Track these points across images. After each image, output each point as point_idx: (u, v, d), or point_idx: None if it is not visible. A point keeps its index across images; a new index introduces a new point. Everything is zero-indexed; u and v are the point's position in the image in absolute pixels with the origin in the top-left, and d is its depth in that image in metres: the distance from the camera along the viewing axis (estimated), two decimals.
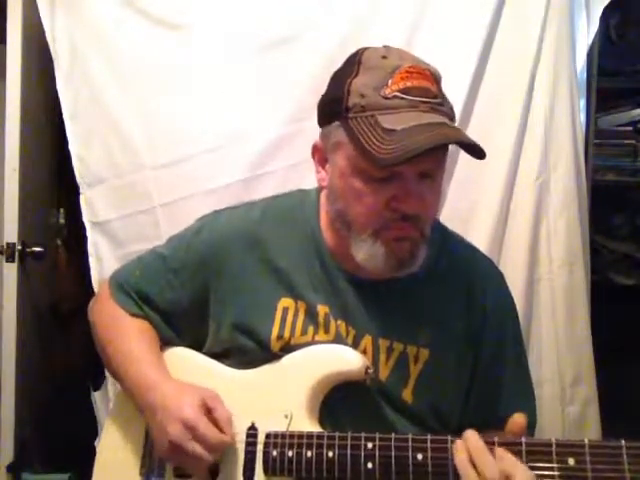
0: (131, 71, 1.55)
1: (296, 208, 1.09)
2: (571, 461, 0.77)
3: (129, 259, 1.22)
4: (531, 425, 1.02)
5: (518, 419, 0.82)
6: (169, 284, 1.09)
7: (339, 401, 0.99)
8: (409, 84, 0.89)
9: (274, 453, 0.95)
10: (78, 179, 1.60)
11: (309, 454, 0.92)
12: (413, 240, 0.94)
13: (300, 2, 1.51)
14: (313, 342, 1.01)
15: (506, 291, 1.11)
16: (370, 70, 0.91)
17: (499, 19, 1.48)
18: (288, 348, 1.01)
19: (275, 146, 1.51)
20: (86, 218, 1.62)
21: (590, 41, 1.59)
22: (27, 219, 1.68)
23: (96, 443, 1.46)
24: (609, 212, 2.16)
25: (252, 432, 0.98)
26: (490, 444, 0.80)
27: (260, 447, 0.96)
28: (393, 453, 0.87)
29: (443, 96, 0.94)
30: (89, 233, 1.61)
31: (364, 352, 1.00)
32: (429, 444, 0.85)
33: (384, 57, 0.92)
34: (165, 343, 1.12)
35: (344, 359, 0.98)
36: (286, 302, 1.03)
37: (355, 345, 1.00)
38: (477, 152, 0.89)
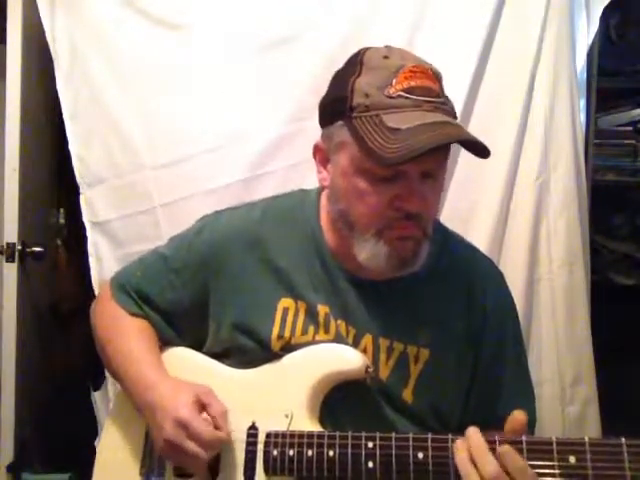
0: (131, 71, 1.56)
1: (296, 208, 1.09)
2: (572, 459, 0.77)
3: (129, 259, 1.22)
4: (531, 424, 1.02)
5: (518, 416, 0.82)
6: (170, 284, 1.09)
7: (339, 401, 0.99)
8: (413, 83, 0.89)
9: (275, 452, 0.95)
10: (78, 179, 1.61)
11: (310, 453, 0.92)
12: (416, 239, 0.94)
13: (300, 2, 1.51)
14: (313, 342, 1.01)
15: (506, 291, 1.11)
16: (373, 70, 0.91)
17: (499, 19, 1.49)
18: (288, 348, 1.01)
19: (275, 146, 1.51)
20: (86, 218, 1.62)
21: (590, 41, 1.59)
22: (27, 219, 1.68)
23: (96, 443, 1.46)
24: (609, 212, 2.16)
25: (252, 432, 0.98)
26: (491, 442, 0.80)
27: (260, 447, 0.96)
28: (394, 452, 0.87)
29: (445, 95, 0.94)
30: (89, 233, 1.61)
31: (364, 351, 1.00)
32: (430, 443, 0.85)
33: (386, 57, 0.92)
34: (165, 343, 1.12)
35: (344, 358, 0.97)
36: (286, 302, 1.03)
37: (355, 344, 1.00)
38: (481, 151, 0.90)
